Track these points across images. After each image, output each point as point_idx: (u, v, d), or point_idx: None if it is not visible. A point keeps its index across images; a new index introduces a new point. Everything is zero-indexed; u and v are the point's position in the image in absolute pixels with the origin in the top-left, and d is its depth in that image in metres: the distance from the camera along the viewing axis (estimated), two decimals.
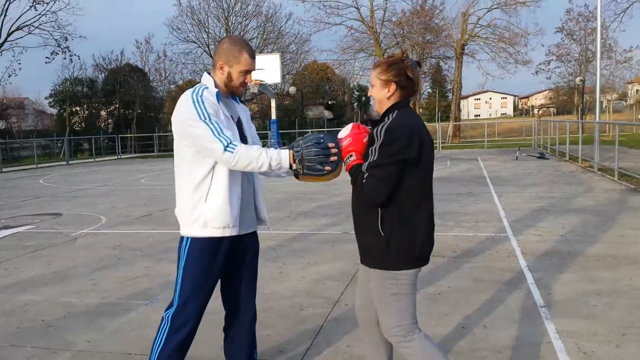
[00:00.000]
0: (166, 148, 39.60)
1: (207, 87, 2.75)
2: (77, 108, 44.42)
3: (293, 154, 2.61)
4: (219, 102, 2.72)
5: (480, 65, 40.29)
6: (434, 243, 2.64)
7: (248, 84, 2.85)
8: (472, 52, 38.07)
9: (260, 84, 21.57)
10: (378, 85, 2.61)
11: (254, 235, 2.99)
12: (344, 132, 2.65)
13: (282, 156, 2.60)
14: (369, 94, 2.75)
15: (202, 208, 2.71)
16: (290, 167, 2.62)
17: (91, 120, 45.54)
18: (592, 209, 8.61)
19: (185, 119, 2.65)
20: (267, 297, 4.84)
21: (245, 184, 2.84)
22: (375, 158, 2.46)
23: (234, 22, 44.83)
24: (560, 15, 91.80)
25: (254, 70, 2.81)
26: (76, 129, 42.76)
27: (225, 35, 44.21)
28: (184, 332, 2.80)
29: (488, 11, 37.42)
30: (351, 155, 2.59)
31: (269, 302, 4.73)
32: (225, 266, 2.87)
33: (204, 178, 2.71)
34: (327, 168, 2.59)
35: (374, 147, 2.48)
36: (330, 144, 2.60)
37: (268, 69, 22.46)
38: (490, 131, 33.79)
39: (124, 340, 4.04)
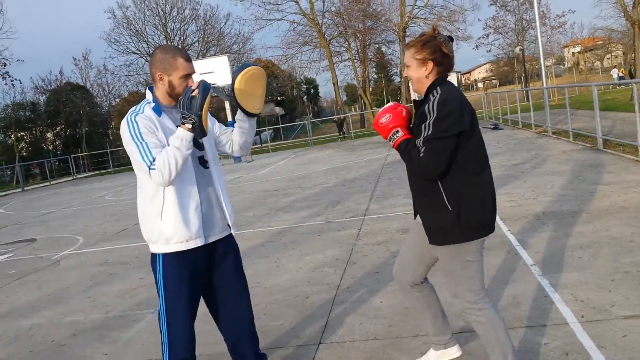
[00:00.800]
0: (119, 163, 38.91)
1: (149, 102, 2.76)
2: (23, 133, 43.22)
3: (182, 122, 2.63)
4: (159, 116, 2.72)
5: None
6: (495, 209, 2.69)
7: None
8: (414, 34, 38.66)
9: (212, 87, 21.45)
10: (415, 65, 2.64)
11: (228, 238, 2.96)
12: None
13: (177, 133, 2.61)
14: (404, 75, 2.77)
15: (159, 226, 2.73)
16: (191, 130, 2.61)
17: (37, 144, 44.39)
18: (556, 170, 9.04)
19: (124, 142, 2.68)
20: (270, 291, 4.97)
21: (206, 191, 2.82)
22: (430, 132, 2.48)
23: (172, 28, 44.33)
24: None
25: (194, 73, 2.80)
26: (23, 154, 41.60)
27: (165, 42, 43.67)
28: (180, 341, 2.82)
29: None
30: (397, 131, 2.63)
31: (273, 294, 4.87)
32: (205, 275, 2.89)
33: (155, 196, 2.73)
34: (195, 93, 2.59)
35: (427, 122, 2.50)
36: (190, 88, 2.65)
37: (217, 72, 22.38)
38: None
39: (141, 348, 4.12)
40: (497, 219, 6.34)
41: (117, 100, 48.52)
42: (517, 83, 53.04)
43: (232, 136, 3.01)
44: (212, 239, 2.84)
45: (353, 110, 61.08)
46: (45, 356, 4.23)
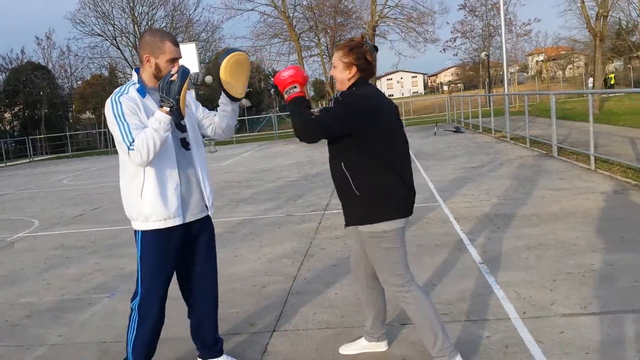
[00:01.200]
0: (78, 147, 38.14)
1: (134, 83, 2.87)
2: None
3: (160, 105, 2.74)
4: (143, 97, 2.83)
5: (392, 46, 41.34)
6: (410, 199, 2.93)
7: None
8: (384, 33, 38.94)
9: None
10: (340, 67, 2.87)
11: (205, 220, 3.09)
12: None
13: (156, 116, 2.72)
14: (330, 73, 3.00)
15: (140, 204, 2.85)
16: (168, 113, 2.71)
17: None
18: (511, 174, 9.35)
19: (108, 122, 2.79)
20: (228, 279, 5.05)
21: (186, 172, 2.93)
22: (329, 106, 2.78)
23: (140, 12, 43.51)
24: None
25: (180, 57, 2.90)
26: None
27: (132, 26, 42.98)
28: (151, 318, 2.97)
29: None
30: (295, 87, 2.81)
31: (230, 283, 4.94)
32: (180, 252, 3.01)
33: (136, 175, 2.84)
34: (174, 77, 2.70)
35: (330, 100, 2.82)
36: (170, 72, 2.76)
37: (185, 59, 22.16)
38: (406, 109, 34.99)
39: (95, 330, 4.15)
40: (451, 218, 6.57)
41: (79, 82, 47.51)
42: (481, 88, 54.05)
43: (215, 119, 3.13)
44: (190, 219, 2.96)
45: (320, 106, 61.27)
46: None
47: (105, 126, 40.26)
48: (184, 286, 3.18)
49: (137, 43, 2.85)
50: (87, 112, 49.50)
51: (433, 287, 4.36)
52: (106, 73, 45.49)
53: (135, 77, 2.91)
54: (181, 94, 2.71)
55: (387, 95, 3.01)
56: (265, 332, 3.82)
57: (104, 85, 44.81)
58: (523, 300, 3.92)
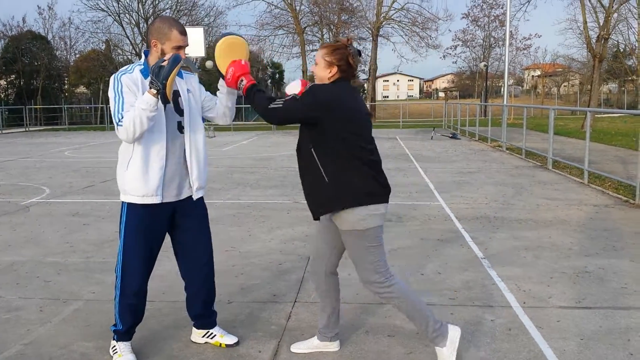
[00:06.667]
0: (72, 121, 38.10)
1: (140, 65, 3.06)
2: None
3: (149, 87, 2.83)
4: (146, 78, 2.96)
5: (395, 48, 41.71)
6: (382, 186, 2.99)
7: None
8: (387, 34, 39.45)
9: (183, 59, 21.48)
10: (322, 65, 2.94)
11: (196, 202, 3.21)
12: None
13: (144, 97, 2.84)
14: (310, 69, 3.08)
15: (124, 176, 3.03)
16: (155, 95, 2.82)
17: None
18: (507, 181, 9.76)
19: (109, 96, 3.00)
20: (246, 255, 5.38)
21: (175, 154, 3.06)
22: (296, 97, 2.89)
23: None
24: (467, 2, 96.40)
25: (187, 45, 3.05)
26: None
27: (137, 4, 42.97)
28: (131, 287, 3.15)
29: None
30: (242, 80, 2.98)
31: (248, 258, 5.28)
32: (165, 230, 3.18)
33: (126, 149, 3.03)
34: (164, 63, 2.81)
35: (298, 95, 2.93)
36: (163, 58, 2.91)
37: (191, 43, 22.37)
38: (403, 112, 35.42)
39: None
40: (452, 217, 6.94)
41: (77, 55, 47.27)
42: (476, 97, 54.66)
43: (217, 102, 3.31)
44: (168, 200, 3.10)
45: None
46: (32, 288, 4.50)
47: (102, 102, 40.34)
48: (178, 263, 3.37)
49: (146, 25, 3.08)
50: (82, 86, 49.36)
51: (439, 275, 4.73)
52: (101, 48, 45.34)
53: (143, 59, 3.09)
54: (168, 80, 2.81)
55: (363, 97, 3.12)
56: (288, 302, 4.16)
57: (101, 60, 44.76)
58: (523, 292, 4.30)
